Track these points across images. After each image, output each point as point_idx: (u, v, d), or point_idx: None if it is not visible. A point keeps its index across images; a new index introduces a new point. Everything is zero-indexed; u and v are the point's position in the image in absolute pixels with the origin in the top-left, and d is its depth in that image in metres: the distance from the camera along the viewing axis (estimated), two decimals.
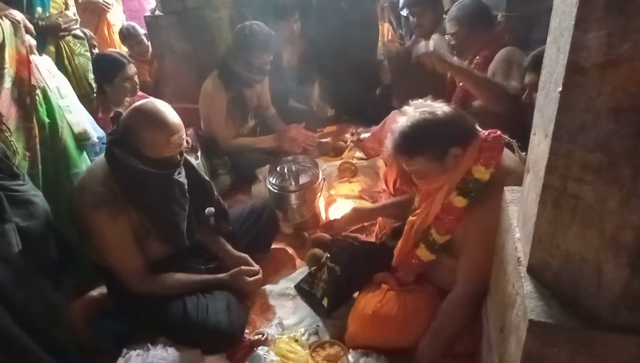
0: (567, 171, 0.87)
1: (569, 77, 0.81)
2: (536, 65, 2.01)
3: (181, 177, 1.77)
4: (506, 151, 1.59)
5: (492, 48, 2.45)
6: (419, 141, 1.53)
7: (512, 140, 1.66)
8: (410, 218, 1.76)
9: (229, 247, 2.05)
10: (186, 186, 1.79)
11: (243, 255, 2.04)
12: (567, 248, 0.93)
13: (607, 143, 0.81)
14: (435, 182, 1.61)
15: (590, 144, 0.83)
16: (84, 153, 2.14)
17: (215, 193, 2.03)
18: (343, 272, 1.87)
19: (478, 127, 1.59)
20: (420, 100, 1.61)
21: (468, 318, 1.59)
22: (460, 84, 2.50)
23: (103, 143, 2.19)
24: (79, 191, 1.68)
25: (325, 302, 1.90)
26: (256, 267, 1.99)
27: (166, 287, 1.80)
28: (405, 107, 1.61)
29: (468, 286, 1.57)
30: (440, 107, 1.55)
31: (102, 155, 1.69)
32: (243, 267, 1.94)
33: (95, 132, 2.21)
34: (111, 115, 1.70)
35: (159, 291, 1.78)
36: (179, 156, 1.71)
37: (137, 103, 1.66)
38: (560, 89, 0.83)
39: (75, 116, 2.07)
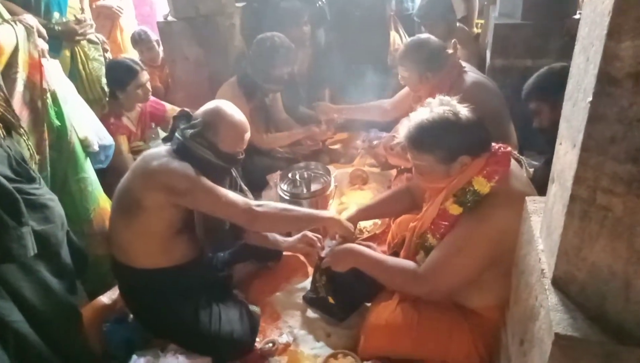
0: (596, 182, 0.86)
1: (599, 87, 0.80)
2: (535, 91, 2.03)
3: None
4: (516, 169, 1.55)
5: (444, 87, 2.20)
6: (433, 139, 1.49)
7: (521, 156, 1.63)
8: (412, 223, 1.74)
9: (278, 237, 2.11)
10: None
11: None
12: (595, 260, 0.91)
13: (638, 155, 0.80)
14: (433, 182, 1.59)
15: (621, 156, 0.81)
16: (88, 159, 2.09)
17: None
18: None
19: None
20: (447, 97, 1.55)
21: (404, 291, 1.65)
22: None
23: (106, 155, 2.18)
24: (143, 161, 1.68)
25: (331, 300, 1.86)
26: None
27: (275, 211, 1.75)
28: (430, 99, 1.56)
29: (424, 283, 1.54)
30: (465, 111, 1.50)
31: (162, 147, 1.75)
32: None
33: (100, 141, 2.15)
34: (174, 114, 1.83)
35: (272, 214, 1.73)
36: (242, 154, 1.84)
37: (213, 104, 1.78)
38: (590, 99, 0.81)
39: (77, 122, 2.05)
